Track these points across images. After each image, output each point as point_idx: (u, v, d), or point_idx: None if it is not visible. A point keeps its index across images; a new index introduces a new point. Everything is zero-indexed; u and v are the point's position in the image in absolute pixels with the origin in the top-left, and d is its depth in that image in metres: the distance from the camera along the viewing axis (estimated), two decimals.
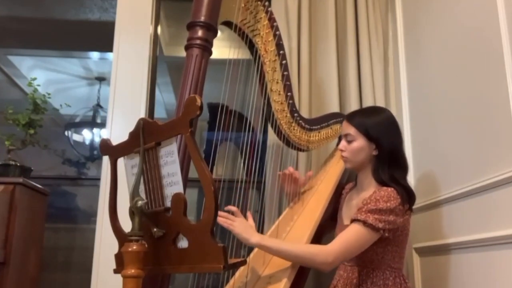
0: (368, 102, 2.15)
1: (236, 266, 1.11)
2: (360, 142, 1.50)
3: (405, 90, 2.18)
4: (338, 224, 1.62)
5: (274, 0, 2.25)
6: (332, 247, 1.36)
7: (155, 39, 2.41)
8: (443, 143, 1.79)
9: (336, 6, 2.30)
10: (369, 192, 1.46)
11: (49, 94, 2.16)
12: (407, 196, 1.42)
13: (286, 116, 1.73)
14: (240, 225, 1.34)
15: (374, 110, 1.64)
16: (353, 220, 1.39)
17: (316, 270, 1.46)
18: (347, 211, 1.60)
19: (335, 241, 1.38)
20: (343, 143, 1.55)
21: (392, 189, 1.41)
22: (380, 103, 2.16)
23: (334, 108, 2.16)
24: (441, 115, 1.81)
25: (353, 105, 2.15)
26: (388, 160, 1.48)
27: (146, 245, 0.97)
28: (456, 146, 1.67)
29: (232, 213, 1.40)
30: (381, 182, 1.47)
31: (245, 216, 1.44)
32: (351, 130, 1.52)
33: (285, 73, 1.69)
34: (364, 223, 1.35)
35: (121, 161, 1.14)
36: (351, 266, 1.50)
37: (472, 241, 1.52)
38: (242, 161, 1.56)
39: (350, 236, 1.37)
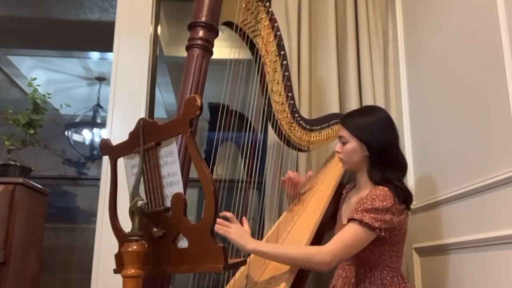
0: (368, 102, 2.14)
1: (236, 266, 1.11)
2: (352, 144, 1.52)
3: (405, 90, 2.18)
4: (337, 223, 1.62)
5: None
6: (329, 247, 1.36)
7: (155, 39, 2.41)
8: (443, 143, 1.78)
9: (336, 6, 2.29)
10: (366, 191, 1.47)
11: (49, 94, 2.16)
12: (403, 195, 1.42)
13: (286, 116, 1.73)
14: (237, 232, 1.32)
15: (367, 111, 1.64)
16: (349, 220, 1.40)
17: (316, 271, 1.45)
18: (346, 210, 1.60)
19: (332, 241, 1.38)
20: (338, 144, 1.58)
21: (387, 188, 1.42)
22: (380, 103, 2.16)
23: (334, 108, 2.16)
24: (441, 115, 1.81)
25: (353, 105, 2.15)
26: (380, 161, 1.49)
27: (146, 245, 0.97)
28: (456, 146, 1.67)
29: (228, 219, 1.39)
30: (375, 182, 1.48)
31: (240, 222, 1.42)
32: (344, 132, 1.55)
33: (286, 73, 1.69)
34: (360, 222, 1.36)
35: (121, 161, 1.14)
36: (349, 265, 1.51)
37: (472, 241, 1.52)
38: (243, 161, 1.56)
39: (346, 235, 1.37)
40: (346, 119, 1.58)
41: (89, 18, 3.40)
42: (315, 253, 1.35)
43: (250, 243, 1.32)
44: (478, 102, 1.54)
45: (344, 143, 1.54)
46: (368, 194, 1.42)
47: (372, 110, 1.65)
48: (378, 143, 1.50)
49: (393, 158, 1.51)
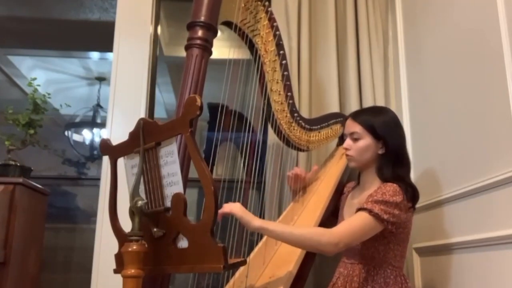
0: (368, 102, 2.15)
1: (236, 266, 1.11)
2: (366, 140, 1.50)
3: (405, 90, 2.18)
4: (339, 221, 1.61)
5: None
6: (337, 230, 1.35)
7: (155, 39, 2.41)
8: (443, 143, 1.78)
9: (336, 6, 2.30)
10: (373, 189, 1.46)
11: (49, 94, 2.15)
12: (412, 193, 1.43)
13: (286, 116, 1.73)
14: (242, 208, 1.28)
15: (379, 110, 1.65)
16: (358, 210, 1.39)
17: (322, 253, 1.41)
18: (349, 210, 1.60)
19: (339, 225, 1.38)
20: (348, 141, 1.54)
21: (397, 185, 1.42)
22: (380, 103, 2.16)
23: (334, 108, 2.16)
24: (441, 115, 1.81)
25: (353, 105, 2.15)
26: (394, 159, 1.49)
27: (146, 245, 0.97)
28: (456, 146, 1.67)
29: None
30: (385, 180, 1.47)
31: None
32: (357, 128, 1.51)
33: (285, 73, 1.69)
34: (370, 212, 1.35)
35: (121, 161, 1.15)
36: (351, 263, 1.50)
37: (472, 241, 1.51)
38: (242, 161, 1.56)
39: (355, 221, 1.36)
40: (359, 115, 1.55)
41: (89, 18, 3.40)
42: (323, 233, 1.33)
43: (256, 220, 1.28)
44: (478, 102, 1.54)
45: (356, 140, 1.51)
46: (377, 189, 1.42)
47: (382, 109, 1.67)
48: (394, 141, 1.50)
49: (404, 157, 1.53)
